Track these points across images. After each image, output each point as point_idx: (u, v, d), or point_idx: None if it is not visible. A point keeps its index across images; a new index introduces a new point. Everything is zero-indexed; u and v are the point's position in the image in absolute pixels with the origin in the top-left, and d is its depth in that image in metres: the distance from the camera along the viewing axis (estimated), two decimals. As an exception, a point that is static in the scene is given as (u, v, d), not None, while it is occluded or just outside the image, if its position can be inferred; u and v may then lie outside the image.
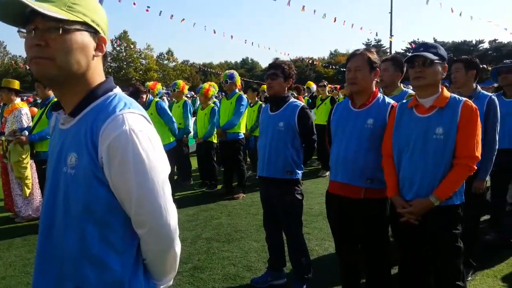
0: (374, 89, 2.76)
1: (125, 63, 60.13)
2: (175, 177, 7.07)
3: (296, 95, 8.44)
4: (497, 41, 42.73)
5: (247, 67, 71.18)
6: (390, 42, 33.23)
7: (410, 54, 2.47)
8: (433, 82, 2.41)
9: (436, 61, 2.38)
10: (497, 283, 3.39)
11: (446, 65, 2.47)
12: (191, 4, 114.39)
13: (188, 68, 65.54)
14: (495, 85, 7.54)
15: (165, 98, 16.39)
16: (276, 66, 3.30)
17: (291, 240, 3.31)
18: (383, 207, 2.69)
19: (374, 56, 2.70)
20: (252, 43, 40.01)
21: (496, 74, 4.21)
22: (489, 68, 25.19)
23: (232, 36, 33.65)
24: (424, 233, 2.45)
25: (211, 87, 6.99)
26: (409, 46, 46.95)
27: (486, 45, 43.79)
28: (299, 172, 3.25)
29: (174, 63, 65.17)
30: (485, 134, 3.39)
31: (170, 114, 5.96)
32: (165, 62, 65.25)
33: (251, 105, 7.62)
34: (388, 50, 37.49)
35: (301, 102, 3.31)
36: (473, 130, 2.31)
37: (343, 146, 2.72)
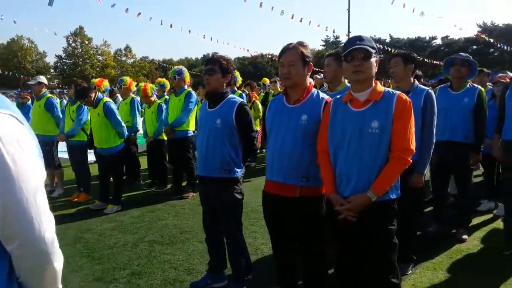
0: (308, 84, 2.69)
1: (81, 59, 58.17)
2: (124, 177, 6.80)
3: (247, 92, 8.35)
4: (449, 38, 44.50)
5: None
6: (347, 38, 33.78)
7: (350, 48, 2.35)
8: (370, 76, 2.37)
9: (373, 54, 2.35)
10: (435, 275, 3.42)
11: (378, 59, 2.43)
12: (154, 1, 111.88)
13: (147, 64, 64.12)
14: (442, 77, 7.77)
15: (118, 95, 15.88)
16: (214, 61, 3.15)
17: (230, 241, 3.19)
18: (319, 205, 2.62)
19: (306, 51, 2.63)
20: (211, 38, 39.56)
21: (449, 65, 4.26)
22: (442, 64, 26.08)
23: (190, 31, 32.85)
24: (360, 229, 2.39)
25: (148, 84, 6.82)
26: (366, 42, 48.19)
27: (439, 41, 45.51)
28: (238, 170, 3.13)
29: (132, 60, 63.59)
30: (423, 128, 3.40)
31: (119, 117, 5.69)
32: (123, 58, 63.57)
33: (203, 101, 7.53)
34: (347, 46, 38.13)
35: (240, 99, 3.19)
36: (406, 123, 2.29)
37: (278, 143, 2.63)
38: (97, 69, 57.46)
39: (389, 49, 33.06)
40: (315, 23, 32.35)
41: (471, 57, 4.20)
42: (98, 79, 7.08)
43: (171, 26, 27.28)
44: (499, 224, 4.68)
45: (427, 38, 45.61)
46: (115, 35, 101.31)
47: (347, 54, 2.38)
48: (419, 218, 4.44)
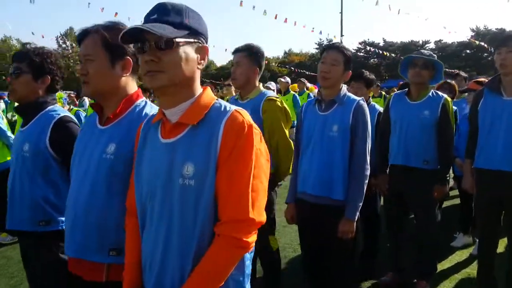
0: (130, 91, 1.67)
1: (71, 60, 57.25)
2: None
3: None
4: (442, 42, 43.64)
5: (200, 66, 69.44)
6: (341, 42, 33.27)
7: None
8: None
9: None
10: None
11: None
12: (138, 2, 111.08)
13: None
14: (401, 82, 6.71)
15: (85, 97, 14.77)
16: (21, 56, 2.09)
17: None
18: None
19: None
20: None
21: (406, 67, 3.23)
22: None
23: None
24: None
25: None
26: (360, 46, 47.71)
27: (432, 45, 44.65)
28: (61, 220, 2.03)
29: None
30: (351, 155, 2.41)
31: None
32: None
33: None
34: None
35: (63, 112, 2.11)
36: (243, 169, 1.19)
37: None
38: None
39: (383, 53, 32.40)
40: (309, 27, 31.56)
41: (435, 56, 3.17)
42: None
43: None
44: (475, 270, 3.63)
45: (420, 42, 44.75)
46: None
47: None
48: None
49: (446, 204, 5.61)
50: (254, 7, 19.40)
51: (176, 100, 1.25)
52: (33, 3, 17.96)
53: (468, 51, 40.21)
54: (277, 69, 59.43)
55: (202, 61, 1.28)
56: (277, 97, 2.88)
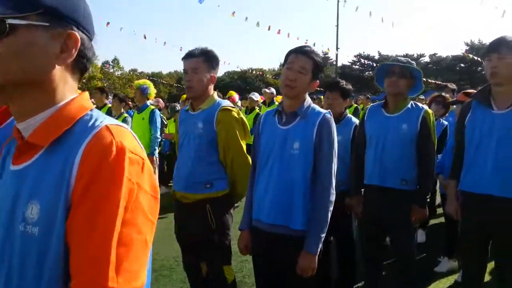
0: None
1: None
2: None
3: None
4: (436, 55, 43.82)
5: (196, 77, 69.37)
6: (336, 55, 33.21)
7: None
8: None
9: None
10: None
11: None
12: (141, 16, 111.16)
13: (135, 77, 62.93)
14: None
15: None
16: None
17: None
18: None
19: None
20: None
21: (383, 76, 2.90)
22: (430, 81, 25.28)
23: (181, 48, 31.30)
24: None
25: None
26: (355, 59, 47.78)
27: (426, 59, 44.77)
28: None
29: (120, 72, 62.25)
30: (313, 177, 2.06)
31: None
32: (111, 70, 62.35)
33: (116, 117, 6.23)
34: (335, 63, 37.55)
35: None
36: (105, 209, 0.79)
37: None
38: (83, 80, 55.75)
39: (377, 65, 32.28)
40: (302, 38, 31.53)
41: (414, 63, 2.85)
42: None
43: (156, 41, 26.02)
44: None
45: (415, 55, 44.86)
46: (102, 48, 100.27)
47: None
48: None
49: (432, 222, 5.27)
50: (246, 18, 19.29)
51: (27, 109, 0.88)
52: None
53: (462, 64, 40.36)
54: (272, 81, 59.47)
55: (66, 54, 0.88)
56: (233, 107, 2.55)
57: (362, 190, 3.03)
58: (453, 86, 5.94)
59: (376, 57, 47.31)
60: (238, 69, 50.59)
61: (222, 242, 2.51)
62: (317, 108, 2.15)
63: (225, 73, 58.98)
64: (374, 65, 32.87)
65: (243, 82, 52.77)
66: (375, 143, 2.86)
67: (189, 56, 2.52)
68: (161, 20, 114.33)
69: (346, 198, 3.13)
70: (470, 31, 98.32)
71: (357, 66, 46.44)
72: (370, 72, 46.21)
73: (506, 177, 2.33)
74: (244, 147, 2.52)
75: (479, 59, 27.18)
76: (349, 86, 3.32)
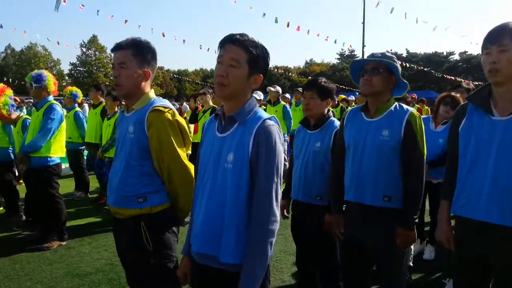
0: None
1: (94, 67, 58.00)
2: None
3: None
4: (467, 53, 41.98)
5: (221, 74, 69.50)
6: (363, 52, 32.46)
7: None
8: None
9: None
10: None
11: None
12: (166, 15, 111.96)
13: (161, 74, 63.62)
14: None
15: (85, 105, 14.48)
16: None
17: None
18: None
19: None
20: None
21: (358, 72, 2.48)
22: (460, 80, 24.08)
23: (201, 46, 31.18)
24: None
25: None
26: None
27: (456, 57, 42.99)
28: None
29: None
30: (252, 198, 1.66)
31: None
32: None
33: (109, 116, 6.03)
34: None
35: None
36: None
37: None
38: (111, 77, 57.20)
39: (406, 64, 31.31)
40: (332, 37, 31.12)
41: (394, 57, 2.39)
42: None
43: (184, 42, 26.18)
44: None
45: (445, 53, 43.21)
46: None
47: None
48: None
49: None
50: (276, 19, 18.92)
51: None
52: (57, 11, 17.92)
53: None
54: (297, 79, 58.86)
55: None
56: (166, 107, 2.15)
57: (343, 206, 2.60)
58: (470, 85, 5.30)
59: (404, 54, 45.93)
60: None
61: (162, 266, 2.14)
62: (260, 112, 1.71)
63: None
64: (402, 63, 31.90)
65: (268, 80, 52.50)
66: (352, 152, 2.43)
67: (116, 48, 2.14)
68: (179, 19, 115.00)
69: (326, 215, 2.72)
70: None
71: (383, 64, 45.17)
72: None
73: (506, 202, 1.86)
74: (183, 155, 2.14)
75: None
76: (330, 85, 2.87)
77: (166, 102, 2.22)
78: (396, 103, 2.41)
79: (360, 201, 2.37)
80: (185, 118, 8.13)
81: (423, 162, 2.33)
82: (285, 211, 3.17)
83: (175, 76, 57.32)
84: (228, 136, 1.69)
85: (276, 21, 18.85)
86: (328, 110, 2.94)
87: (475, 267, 2.04)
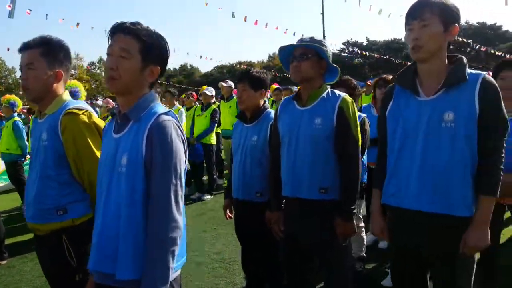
0: None
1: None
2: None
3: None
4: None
5: (184, 73, 68.59)
6: (323, 43, 32.63)
7: None
8: None
9: None
10: None
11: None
12: (115, 14, 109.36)
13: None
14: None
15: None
16: None
17: None
18: None
19: None
20: (188, 53, 37.86)
21: (286, 58, 2.35)
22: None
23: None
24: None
25: None
26: (343, 46, 47.03)
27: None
28: None
29: (108, 72, 61.21)
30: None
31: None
32: (98, 71, 61.37)
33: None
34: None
35: None
36: None
37: None
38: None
39: (366, 53, 31.75)
40: (291, 30, 31.10)
41: (324, 41, 2.26)
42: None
43: None
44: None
45: (403, 40, 44.20)
46: (87, 49, 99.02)
47: None
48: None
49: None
50: (233, 13, 18.64)
51: None
52: (12, 17, 16.96)
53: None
54: (262, 73, 59.08)
55: None
56: (81, 109, 1.98)
57: (283, 202, 2.46)
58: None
59: (365, 43, 46.68)
60: (227, 64, 50.12)
61: (83, 282, 1.94)
62: (157, 108, 1.53)
63: (214, 67, 58.41)
64: (362, 52, 32.32)
65: (233, 76, 52.22)
66: (287, 144, 2.29)
67: (23, 48, 1.94)
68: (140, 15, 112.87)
69: (266, 212, 2.57)
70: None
71: (345, 54, 45.62)
72: (360, 59, 45.53)
73: (436, 186, 1.76)
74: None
75: (468, 40, 26.49)
76: (264, 75, 2.72)
77: (81, 104, 2.04)
78: (329, 89, 2.29)
79: (296, 195, 2.24)
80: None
81: (358, 150, 2.22)
82: (227, 211, 3.01)
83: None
84: (123, 136, 1.52)
85: (233, 16, 18.58)
86: (264, 102, 2.80)
87: (411, 256, 1.93)
